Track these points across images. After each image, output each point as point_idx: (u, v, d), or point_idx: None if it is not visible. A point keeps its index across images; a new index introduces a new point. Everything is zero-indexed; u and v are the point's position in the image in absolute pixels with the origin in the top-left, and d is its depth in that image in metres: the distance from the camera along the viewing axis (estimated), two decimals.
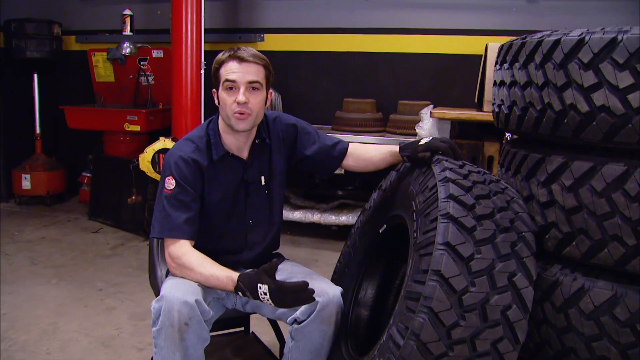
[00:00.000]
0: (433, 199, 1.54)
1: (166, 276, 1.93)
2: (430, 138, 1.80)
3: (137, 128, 4.29)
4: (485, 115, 3.34)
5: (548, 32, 1.61)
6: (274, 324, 2.13)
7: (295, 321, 1.74)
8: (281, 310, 1.76)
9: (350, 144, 2.01)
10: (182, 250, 1.72)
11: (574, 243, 1.48)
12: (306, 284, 1.55)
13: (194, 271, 1.69)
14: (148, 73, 4.62)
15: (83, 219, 4.58)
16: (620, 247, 1.41)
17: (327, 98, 4.49)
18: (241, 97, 1.72)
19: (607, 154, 1.44)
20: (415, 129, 3.64)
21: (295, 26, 4.50)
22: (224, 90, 1.76)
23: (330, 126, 4.19)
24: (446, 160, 1.66)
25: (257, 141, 1.90)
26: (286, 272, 1.89)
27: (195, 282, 1.68)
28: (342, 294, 1.79)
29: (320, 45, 4.50)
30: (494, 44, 3.31)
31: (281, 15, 4.53)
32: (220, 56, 1.80)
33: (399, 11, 4.28)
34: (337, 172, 2.06)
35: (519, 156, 1.71)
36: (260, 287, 1.57)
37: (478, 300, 1.36)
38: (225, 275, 1.64)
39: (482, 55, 3.54)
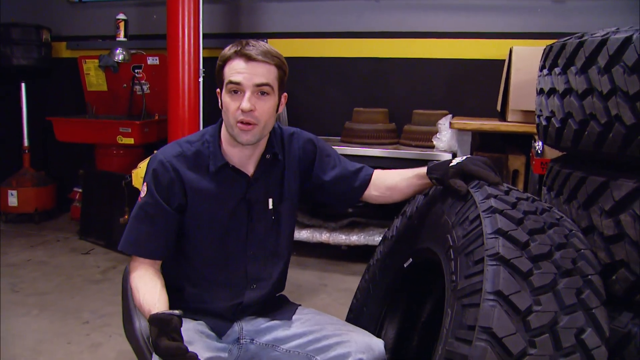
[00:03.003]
0: (476, 234, 1.29)
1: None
2: (464, 158, 1.52)
3: (131, 141, 4.07)
4: (510, 125, 3.15)
5: (613, 30, 1.35)
6: None
7: None
8: None
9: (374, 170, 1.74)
10: (133, 267, 1.54)
11: None
12: (184, 350, 1.25)
13: (134, 296, 1.49)
14: (143, 81, 4.42)
15: (73, 239, 4.35)
16: None
17: (336, 108, 4.33)
18: (246, 104, 1.46)
19: None
20: (432, 141, 3.48)
21: (300, 30, 4.34)
22: (228, 94, 1.49)
23: (339, 138, 4.02)
24: (488, 186, 1.38)
25: (267, 156, 1.62)
26: (309, 324, 1.62)
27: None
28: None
29: (328, 50, 4.35)
30: (520, 47, 3.15)
31: (285, 19, 4.37)
32: (225, 51, 1.51)
33: (412, 13, 4.09)
34: None
35: (573, 178, 1.48)
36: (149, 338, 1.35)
37: None
38: (146, 311, 1.40)
39: (504, 60, 3.35)
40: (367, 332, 1.61)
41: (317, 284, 3.48)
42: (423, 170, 1.60)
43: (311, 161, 1.69)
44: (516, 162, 3.17)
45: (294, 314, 1.67)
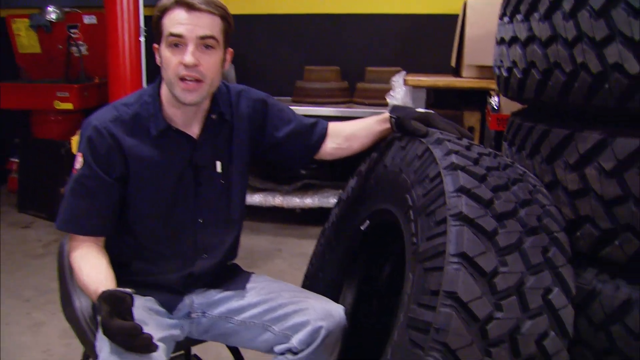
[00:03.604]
0: (437, 192, 1.21)
1: (94, 309, 1.52)
2: (431, 111, 1.48)
3: (69, 106, 3.87)
4: (464, 81, 3.12)
5: None
6: (234, 348, 1.73)
7: (289, 351, 1.42)
8: (264, 338, 1.48)
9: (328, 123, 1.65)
10: (73, 246, 1.43)
11: (616, 243, 1.20)
12: (138, 330, 1.16)
13: (77, 276, 1.39)
14: (80, 42, 4.16)
15: (12, 212, 4.17)
16: None
17: (286, 67, 4.26)
18: (189, 58, 1.33)
19: None
20: (386, 99, 3.40)
21: None
22: (168, 48, 1.36)
23: (290, 98, 3.95)
24: (449, 141, 1.29)
25: (213, 116, 1.49)
26: (264, 293, 1.52)
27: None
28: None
29: (277, 7, 4.25)
30: (474, 0, 3.06)
31: None
32: (164, 1, 1.36)
33: None
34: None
35: (536, 132, 1.40)
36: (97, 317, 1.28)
37: (506, 331, 1.06)
38: (93, 290, 1.30)
39: (459, 14, 3.29)
40: (325, 298, 1.53)
41: (272, 249, 3.43)
42: (384, 114, 1.54)
43: (262, 119, 1.59)
44: (471, 119, 3.16)
45: (247, 282, 1.58)
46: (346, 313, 1.52)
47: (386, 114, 1.54)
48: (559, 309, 1.11)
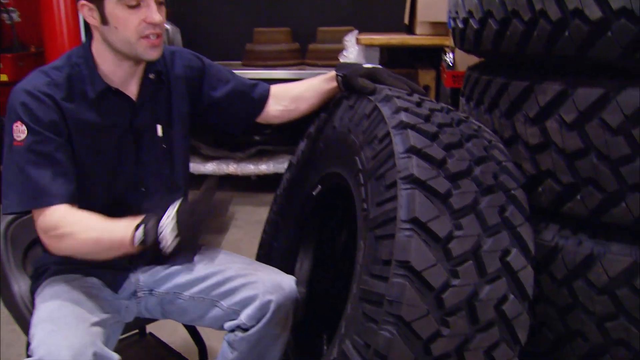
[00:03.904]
0: (386, 154, 1.14)
1: (32, 293, 1.42)
2: (379, 66, 1.44)
3: (4, 77, 3.68)
4: (418, 39, 3.06)
5: None
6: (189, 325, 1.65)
7: (239, 328, 1.35)
8: (213, 314, 1.40)
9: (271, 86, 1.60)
10: (57, 216, 1.26)
11: (578, 197, 1.16)
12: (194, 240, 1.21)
13: (78, 239, 1.25)
14: (11, 8, 3.90)
15: None
16: None
17: (235, 29, 4.14)
18: (157, 16, 1.30)
19: (626, 75, 1.09)
20: (339, 59, 3.32)
21: None
22: (124, 7, 1.28)
23: (240, 62, 3.87)
24: (398, 97, 1.21)
25: (150, 75, 1.43)
26: (212, 266, 1.44)
27: (85, 254, 1.28)
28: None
29: None
30: None
31: None
32: None
33: None
34: None
35: (495, 85, 1.33)
36: (167, 215, 1.18)
37: (464, 298, 1.01)
38: (123, 225, 1.22)
39: None
40: (275, 269, 1.46)
41: (227, 218, 3.36)
42: (331, 73, 1.49)
43: (199, 78, 1.52)
44: (426, 77, 3.10)
45: (195, 255, 1.47)
46: (299, 284, 1.45)
47: (333, 73, 1.48)
48: (518, 271, 1.07)
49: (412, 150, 1.08)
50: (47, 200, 1.26)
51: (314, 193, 1.56)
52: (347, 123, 1.34)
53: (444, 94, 2.89)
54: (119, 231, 1.21)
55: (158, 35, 1.32)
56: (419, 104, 1.23)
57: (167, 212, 1.17)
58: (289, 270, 1.65)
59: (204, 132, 3.77)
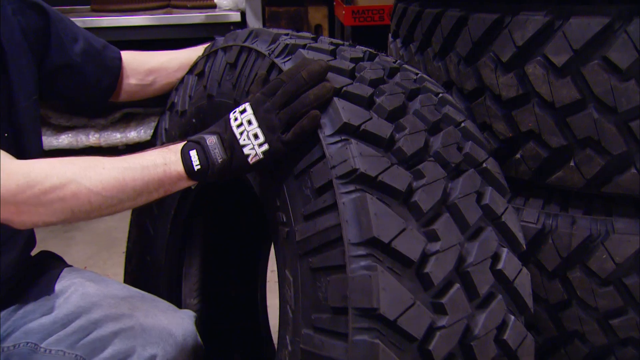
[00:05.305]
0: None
1: None
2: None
3: None
4: None
5: None
6: None
7: None
8: None
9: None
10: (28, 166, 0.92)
11: (571, 163, 0.92)
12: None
13: (88, 187, 0.89)
14: None
15: None
16: None
17: None
18: None
19: None
20: (213, 1, 3.00)
21: None
22: None
23: (88, 6, 3.27)
24: (304, 47, 0.89)
25: None
26: (76, 300, 1.09)
27: (95, 210, 0.90)
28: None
29: None
30: None
31: None
32: None
33: None
34: None
35: (447, 20, 1.04)
36: (236, 114, 0.84)
37: (456, 341, 0.71)
38: (159, 152, 0.90)
39: None
40: (162, 303, 1.13)
41: None
42: (206, 45, 1.22)
43: (43, 31, 1.20)
44: (317, 15, 2.79)
45: (55, 281, 1.16)
46: (191, 304, 1.11)
47: (207, 45, 1.20)
48: (513, 280, 0.81)
49: (346, 130, 0.73)
50: None
51: (192, 187, 1.19)
52: (229, 90, 0.97)
53: (343, 35, 2.63)
54: (152, 161, 0.88)
55: None
56: (333, 53, 0.88)
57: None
58: (173, 284, 1.33)
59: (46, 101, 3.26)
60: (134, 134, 3.27)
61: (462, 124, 0.86)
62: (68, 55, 1.25)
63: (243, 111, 0.82)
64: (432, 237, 0.70)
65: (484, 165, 0.83)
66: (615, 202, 0.91)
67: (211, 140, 0.84)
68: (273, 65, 0.87)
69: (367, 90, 0.79)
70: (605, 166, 0.87)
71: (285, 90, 0.79)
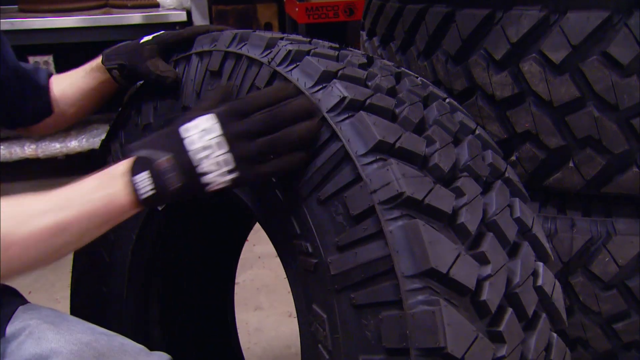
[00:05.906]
0: (333, 156, 0.73)
1: None
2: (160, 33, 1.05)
3: None
4: None
5: None
6: None
7: None
8: None
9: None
10: None
11: (570, 164, 0.91)
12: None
13: (23, 236, 0.74)
14: None
15: None
16: None
17: None
18: None
19: None
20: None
21: None
22: None
23: (16, 6, 3.08)
24: (309, 53, 0.82)
25: None
26: (31, 347, 0.90)
27: (35, 261, 0.77)
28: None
29: None
30: None
31: None
32: None
33: None
34: None
35: (433, 17, 0.99)
36: (195, 132, 0.73)
37: None
38: (94, 183, 0.78)
39: None
40: (135, 346, 0.96)
41: None
42: (96, 61, 1.10)
43: None
44: (267, 13, 2.70)
45: (7, 323, 0.98)
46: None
47: (98, 61, 1.09)
48: (551, 295, 0.77)
49: (381, 149, 0.67)
50: None
51: (159, 208, 1.08)
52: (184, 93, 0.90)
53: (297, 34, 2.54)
54: (94, 192, 0.76)
55: None
56: (337, 59, 0.83)
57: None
58: (139, 319, 1.17)
59: None
60: (74, 143, 3.12)
61: (477, 131, 0.83)
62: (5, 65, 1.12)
63: (206, 130, 0.71)
64: (482, 260, 0.66)
65: (507, 174, 0.80)
66: (615, 202, 0.90)
67: (164, 163, 0.73)
68: (275, 75, 0.79)
69: (389, 102, 0.73)
70: (605, 166, 0.86)
71: (267, 117, 0.70)
